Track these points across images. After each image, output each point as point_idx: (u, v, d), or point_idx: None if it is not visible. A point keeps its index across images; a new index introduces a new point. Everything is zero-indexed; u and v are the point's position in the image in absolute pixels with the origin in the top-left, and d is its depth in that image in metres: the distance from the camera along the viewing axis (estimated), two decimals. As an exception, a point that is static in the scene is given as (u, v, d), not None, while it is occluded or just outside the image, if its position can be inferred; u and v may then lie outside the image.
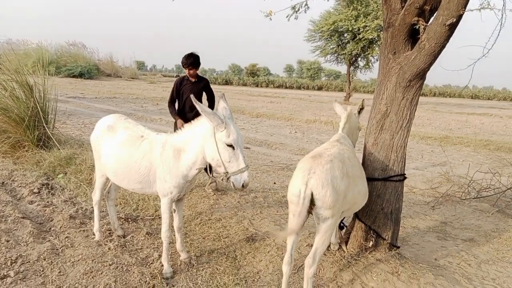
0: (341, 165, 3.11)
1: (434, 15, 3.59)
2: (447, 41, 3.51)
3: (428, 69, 3.69)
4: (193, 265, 3.85)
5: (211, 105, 5.85)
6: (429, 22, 3.63)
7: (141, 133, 3.75)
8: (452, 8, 3.29)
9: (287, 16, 5.23)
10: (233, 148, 3.13)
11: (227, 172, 3.18)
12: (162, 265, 3.72)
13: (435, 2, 3.59)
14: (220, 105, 3.34)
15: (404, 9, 3.66)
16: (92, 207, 5.06)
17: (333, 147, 3.45)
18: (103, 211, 4.67)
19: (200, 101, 5.85)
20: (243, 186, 3.17)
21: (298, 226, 2.99)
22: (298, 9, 5.18)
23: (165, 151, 3.49)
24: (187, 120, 5.47)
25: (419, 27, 3.62)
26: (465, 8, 3.33)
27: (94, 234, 4.31)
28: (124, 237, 4.37)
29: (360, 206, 3.62)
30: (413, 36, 3.76)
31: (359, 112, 4.28)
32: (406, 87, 3.78)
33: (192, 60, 5.60)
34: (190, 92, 5.55)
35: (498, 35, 3.84)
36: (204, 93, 5.95)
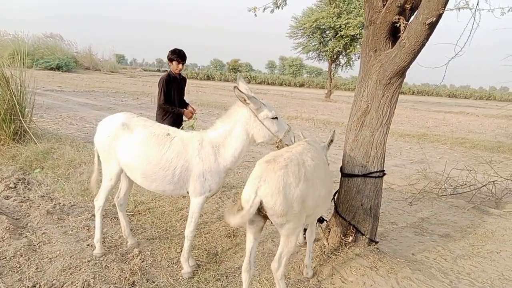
0: (297, 169, 2.96)
1: (415, 13, 3.64)
2: (427, 40, 3.56)
3: (408, 67, 3.75)
4: (174, 261, 3.83)
5: (184, 103, 5.78)
6: (410, 21, 3.69)
7: (167, 131, 3.61)
8: (432, 7, 3.35)
9: (264, 9, 5.22)
10: (277, 118, 3.50)
11: (280, 140, 3.51)
12: (182, 266, 3.64)
13: (416, 1, 3.65)
14: (241, 86, 3.55)
15: (385, 7, 3.71)
16: (70, 202, 5.01)
17: (297, 147, 3.33)
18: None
19: (183, 96, 5.81)
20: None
21: (241, 223, 2.87)
22: (280, 4, 5.19)
23: (204, 149, 3.47)
24: (176, 117, 5.50)
25: (400, 25, 3.66)
26: (445, 7, 3.38)
27: (94, 246, 3.93)
28: (137, 246, 4.09)
29: (323, 211, 3.55)
30: (394, 34, 3.82)
31: (329, 145, 3.96)
32: (387, 85, 3.83)
33: (184, 54, 5.55)
34: (179, 89, 5.64)
35: (470, 33, 3.89)
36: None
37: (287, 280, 3.60)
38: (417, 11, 3.56)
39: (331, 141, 3.97)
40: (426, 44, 3.61)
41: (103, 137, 3.70)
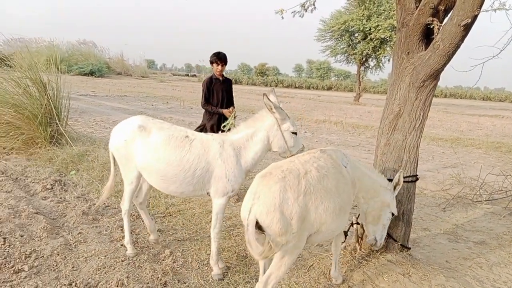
0: (296, 182, 2.71)
1: (449, 15, 3.56)
2: (462, 42, 3.48)
3: (442, 70, 3.67)
4: (204, 263, 3.87)
5: (231, 103, 5.85)
6: (444, 22, 3.61)
7: (185, 133, 3.65)
8: (468, 8, 3.27)
9: (293, 13, 5.22)
10: (296, 134, 3.64)
11: (292, 155, 3.49)
12: (212, 268, 3.68)
13: (450, 2, 3.57)
14: (275, 99, 3.66)
15: (418, 9, 3.65)
16: (104, 203, 5.14)
17: (304, 155, 3.10)
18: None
19: (231, 99, 5.88)
20: None
21: (256, 253, 2.54)
22: (308, 7, 5.18)
23: (225, 151, 3.54)
24: (219, 118, 5.58)
25: (433, 27, 3.60)
26: (480, 8, 3.30)
27: (125, 247, 3.99)
28: (158, 243, 4.19)
29: (335, 229, 3.04)
30: (427, 36, 3.75)
31: (395, 188, 3.58)
32: (420, 88, 3.76)
33: (223, 56, 5.68)
34: (222, 91, 5.70)
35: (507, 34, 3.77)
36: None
37: (317, 285, 3.58)
38: (451, 12, 3.49)
39: (397, 184, 3.56)
40: (461, 46, 3.54)
41: (120, 141, 3.71)
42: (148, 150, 3.56)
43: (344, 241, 4.18)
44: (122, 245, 4.10)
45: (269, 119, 3.60)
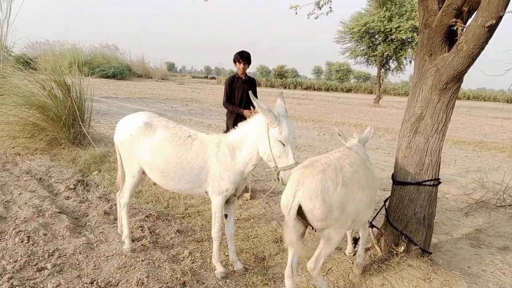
0: (334, 174, 2.94)
1: (473, 16, 3.50)
2: (486, 43, 3.41)
3: (466, 72, 3.60)
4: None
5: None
6: (467, 24, 3.55)
7: (188, 133, 3.75)
8: (492, 9, 3.20)
9: (308, 14, 5.19)
10: (284, 145, 3.28)
11: (276, 167, 3.31)
12: (215, 266, 3.74)
13: (474, 3, 3.50)
14: (276, 102, 3.48)
15: (441, 10, 3.59)
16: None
17: (336, 153, 3.35)
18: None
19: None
20: (282, 183, 3.22)
21: (292, 238, 2.82)
22: (322, 6, 5.14)
23: (221, 150, 3.56)
24: (242, 117, 5.53)
25: (456, 28, 3.53)
26: (505, 9, 3.23)
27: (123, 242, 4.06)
28: (133, 251, 4.01)
29: (367, 217, 3.46)
30: (450, 37, 3.68)
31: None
32: (443, 90, 3.70)
33: (247, 55, 5.66)
34: (243, 90, 5.64)
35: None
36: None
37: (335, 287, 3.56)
38: (475, 13, 3.42)
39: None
40: (485, 48, 3.47)
41: (126, 135, 3.85)
42: (152, 146, 3.71)
43: (354, 248, 4.17)
44: (142, 244, 4.16)
45: (261, 121, 3.41)
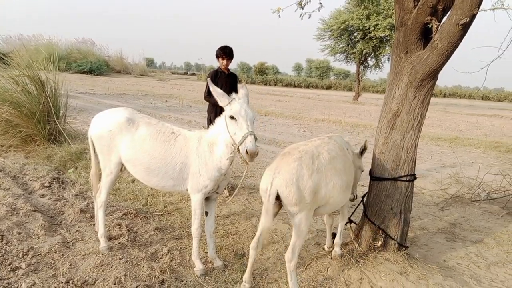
0: (311, 162, 3.16)
1: (447, 14, 3.57)
2: (460, 41, 3.49)
3: (441, 69, 3.67)
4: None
5: None
6: (442, 22, 3.61)
7: (171, 129, 3.74)
8: (466, 7, 3.27)
9: (300, 16, 5.19)
10: (236, 119, 3.22)
11: (238, 147, 3.20)
12: (194, 263, 3.73)
13: (448, 1, 3.57)
14: (239, 91, 3.48)
15: (417, 8, 3.65)
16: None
17: (316, 140, 3.55)
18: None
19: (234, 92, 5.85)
20: (246, 152, 3.09)
21: (268, 221, 3.08)
22: (304, 6, 5.14)
23: (201, 146, 3.55)
24: (220, 110, 5.53)
25: (431, 26, 3.60)
26: (478, 7, 3.31)
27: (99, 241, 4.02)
28: (110, 250, 3.95)
29: (340, 201, 3.50)
30: (425, 35, 3.75)
31: (362, 153, 4.13)
32: (418, 87, 3.77)
33: (229, 50, 5.65)
34: (226, 84, 5.62)
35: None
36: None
37: (314, 283, 3.58)
38: (449, 11, 3.49)
39: (364, 149, 4.12)
40: (459, 45, 3.54)
41: (104, 131, 3.77)
42: (136, 143, 3.67)
43: (332, 243, 4.23)
44: (119, 243, 4.10)
45: (225, 111, 3.37)
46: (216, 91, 3.36)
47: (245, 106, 3.30)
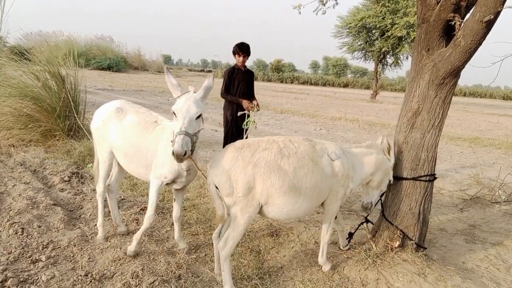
0: (250, 154, 3.08)
1: (471, 11, 3.49)
2: (484, 39, 3.40)
3: (463, 67, 3.60)
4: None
5: (251, 96, 5.84)
6: (465, 19, 3.53)
7: (155, 119, 3.78)
8: (490, 4, 3.19)
9: (314, 10, 5.15)
10: (176, 115, 3.09)
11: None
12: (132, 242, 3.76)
13: (472, -2, 3.49)
14: (204, 82, 3.29)
15: (439, 4, 3.57)
16: (120, 196, 5.19)
17: (280, 137, 3.37)
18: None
19: (251, 91, 5.84)
20: (172, 153, 2.97)
21: (219, 210, 3.15)
22: (326, 2, 5.11)
23: (170, 137, 3.34)
24: (239, 107, 5.54)
25: (454, 23, 3.52)
26: (503, 4, 3.22)
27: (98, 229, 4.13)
28: (127, 234, 4.23)
29: (285, 206, 3.21)
30: (448, 32, 3.67)
31: (389, 152, 3.83)
32: (440, 85, 3.69)
33: (246, 47, 5.63)
34: (243, 81, 5.63)
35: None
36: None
37: (330, 282, 3.56)
38: (473, 8, 3.41)
39: (389, 150, 3.82)
40: (483, 43, 3.46)
41: (99, 121, 3.97)
42: (121, 129, 3.79)
43: (349, 243, 4.20)
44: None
45: None
46: (170, 82, 3.25)
47: (191, 102, 3.08)
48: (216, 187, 3.15)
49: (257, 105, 5.58)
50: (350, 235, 4.19)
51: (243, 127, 5.34)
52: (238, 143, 3.26)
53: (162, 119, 3.79)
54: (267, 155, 3.12)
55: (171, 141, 3.09)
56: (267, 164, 3.09)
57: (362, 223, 4.28)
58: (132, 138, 3.71)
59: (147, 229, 3.77)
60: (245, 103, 5.47)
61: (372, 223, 4.31)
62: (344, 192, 3.56)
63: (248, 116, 5.34)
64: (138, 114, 3.85)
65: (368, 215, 4.27)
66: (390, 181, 3.89)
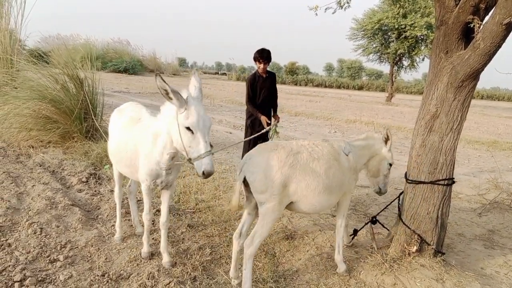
0: (285, 156, 3.21)
1: (490, 13, 3.44)
2: (503, 41, 3.35)
3: (482, 70, 3.54)
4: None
5: (275, 99, 5.91)
6: (485, 21, 3.48)
7: (140, 116, 3.69)
8: (510, 6, 3.13)
9: (326, 9, 5.12)
10: (192, 132, 2.90)
11: (189, 159, 2.94)
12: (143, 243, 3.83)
13: (491, 0, 3.43)
14: (191, 82, 3.13)
15: (458, 6, 3.53)
16: (137, 197, 5.24)
17: (305, 141, 3.57)
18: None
19: (274, 94, 5.91)
20: (203, 173, 2.86)
21: (235, 201, 3.22)
22: (344, 5, 5.08)
23: (148, 136, 3.34)
24: (264, 114, 5.60)
25: (473, 25, 3.47)
26: (525, 7, 3.16)
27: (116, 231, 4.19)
28: (142, 235, 4.04)
29: (319, 204, 3.36)
30: (467, 35, 3.62)
31: (385, 142, 3.90)
32: (458, 88, 3.64)
33: (266, 54, 5.63)
34: (264, 88, 5.71)
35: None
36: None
37: (346, 286, 3.54)
38: (492, 10, 3.36)
39: (387, 139, 3.92)
40: (502, 46, 3.40)
41: (110, 124, 4.11)
42: (116, 130, 3.87)
43: (352, 239, 4.29)
44: (153, 238, 4.18)
45: (171, 106, 3.03)
46: (173, 89, 2.94)
47: (202, 112, 2.93)
48: (245, 184, 3.26)
49: (277, 120, 5.74)
50: (355, 231, 4.26)
51: (269, 137, 5.52)
52: (271, 144, 3.44)
53: (147, 117, 3.63)
54: (300, 158, 3.29)
55: (189, 160, 2.94)
56: (302, 166, 3.27)
57: (367, 223, 4.29)
58: (118, 138, 3.77)
59: (149, 227, 3.80)
60: (263, 120, 5.54)
61: (380, 222, 4.27)
62: (354, 184, 3.78)
63: (270, 129, 5.50)
64: (131, 113, 3.86)
65: (377, 214, 4.34)
66: (390, 164, 3.98)
